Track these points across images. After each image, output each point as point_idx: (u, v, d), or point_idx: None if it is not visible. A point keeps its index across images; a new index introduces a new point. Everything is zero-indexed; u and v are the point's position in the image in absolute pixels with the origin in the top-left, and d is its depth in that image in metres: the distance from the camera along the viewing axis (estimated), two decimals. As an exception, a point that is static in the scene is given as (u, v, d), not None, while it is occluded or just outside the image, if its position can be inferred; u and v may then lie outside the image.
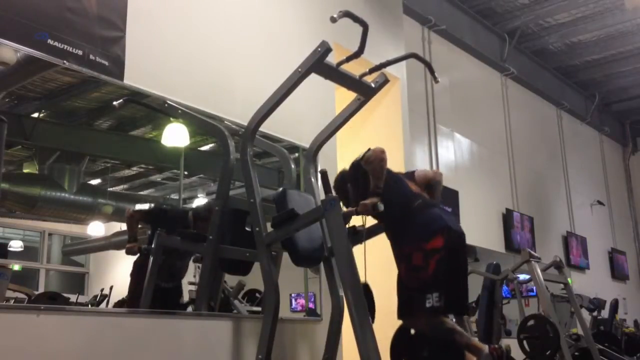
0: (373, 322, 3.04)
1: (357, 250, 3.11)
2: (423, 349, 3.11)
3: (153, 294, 3.45)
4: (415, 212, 3.10)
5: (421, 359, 3.13)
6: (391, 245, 3.23)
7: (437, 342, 3.04)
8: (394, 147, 5.28)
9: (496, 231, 7.94)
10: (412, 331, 3.21)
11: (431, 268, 2.92)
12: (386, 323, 3.32)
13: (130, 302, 3.62)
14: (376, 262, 3.69)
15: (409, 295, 2.98)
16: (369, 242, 3.48)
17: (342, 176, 3.42)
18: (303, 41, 4.21)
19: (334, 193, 3.22)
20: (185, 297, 3.97)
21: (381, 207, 2.98)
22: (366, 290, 3.14)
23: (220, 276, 3.71)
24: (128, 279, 3.76)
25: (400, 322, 3.22)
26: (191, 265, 3.98)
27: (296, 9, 4.65)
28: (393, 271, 3.22)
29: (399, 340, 3.18)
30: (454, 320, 3.26)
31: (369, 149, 3.15)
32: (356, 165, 3.23)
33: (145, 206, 3.88)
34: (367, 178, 3.11)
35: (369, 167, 3.08)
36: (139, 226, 3.83)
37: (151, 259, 3.53)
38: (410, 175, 3.43)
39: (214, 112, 3.77)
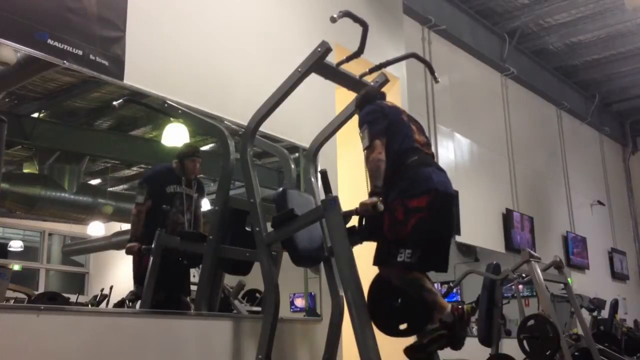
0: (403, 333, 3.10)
1: (357, 250, 3.11)
2: (396, 298, 3.17)
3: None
4: (407, 168, 3.11)
5: (392, 308, 3.18)
6: (382, 198, 3.24)
7: (409, 293, 3.09)
8: (394, 147, 5.27)
9: (496, 231, 7.94)
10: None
11: (410, 225, 2.96)
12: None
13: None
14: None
15: (385, 245, 3.04)
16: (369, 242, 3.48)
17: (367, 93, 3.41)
18: (303, 41, 4.21)
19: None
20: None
21: (381, 207, 2.98)
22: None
23: (220, 276, 3.70)
24: (128, 279, 3.77)
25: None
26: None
27: (296, 9, 4.65)
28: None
29: (375, 287, 3.23)
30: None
31: (370, 144, 3.11)
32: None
33: (140, 191, 3.89)
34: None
35: (366, 166, 3.09)
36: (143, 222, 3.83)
37: (151, 259, 3.54)
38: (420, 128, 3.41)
39: (214, 112, 3.77)
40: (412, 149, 3.19)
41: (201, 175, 4.15)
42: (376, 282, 3.24)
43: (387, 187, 3.09)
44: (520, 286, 5.79)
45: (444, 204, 3.12)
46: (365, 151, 3.12)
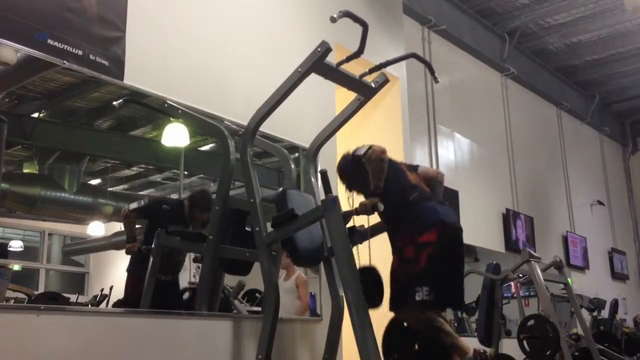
0: (380, 304, 3.04)
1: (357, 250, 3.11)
2: (413, 343, 3.12)
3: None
4: (410, 204, 3.09)
5: (411, 353, 3.13)
6: (388, 236, 3.22)
7: (427, 337, 3.04)
8: (394, 147, 5.28)
9: (496, 231, 7.94)
10: (405, 324, 3.21)
11: (422, 261, 2.91)
12: (386, 323, 3.33)
13: (126, 300, 3.63)
14: (375, 261, 3.70)
15: (400, 287, 2.98)
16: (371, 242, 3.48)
17: (345, 161, 3.38)
18: (303, 41, 4.21)
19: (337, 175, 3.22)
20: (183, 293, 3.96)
21: (381, 207, 2.98)
22: (373, 273, 3.14)
23: (220, 276, 3.70)
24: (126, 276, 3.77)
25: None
26: (192, 265, 3.98)
27: (296, 9, 4.65)
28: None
29: (391, 332, 3.18)
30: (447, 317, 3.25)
31: (371, 146, 3.14)
32: (357, 158, 3.21)
33: (139, 203, 3.87)
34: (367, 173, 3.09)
35: (369, 166, 3.08)
36: (137, 225, 3.83)
37: (151, 258, 3.53)
38: (414, 168, 3.41)
39: (214, 112, 3.77)
40: (411, 186, 3.18)
41: (201, 175, 4.15)
42: (391, 328, 3.17)
43: (392, 225, 3.05)
44: (519, 285, 5.79)
45: (453, 237, 3.08)
46: (365, 156, 3.09)
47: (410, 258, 2.95)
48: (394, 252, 3.04)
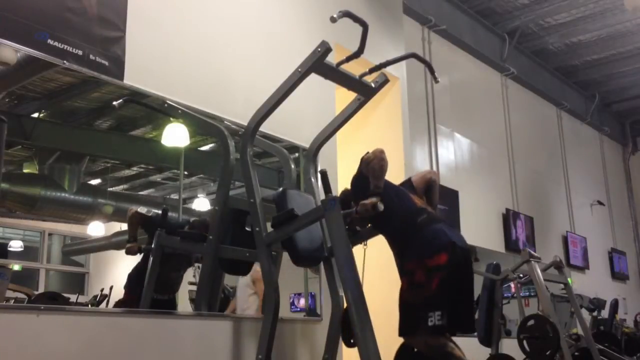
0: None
1: (357, 251, 3.11)
2: None
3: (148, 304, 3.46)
4: (419, 227, 3.03)
5: None
6: (395, 259, 3.18)
7: None
8: (394, 147, 5.28)
9: (496, 231, 7.93)
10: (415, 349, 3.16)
11: (434, 285, 2.84)
12: (386, 324, 3.33)
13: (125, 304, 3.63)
14: (375, 263, 3.70)
15: (411, 312, 2.91)
16: (369, 243, 3.48)
17: (345, 195, 3.35)
18: (303, 41, 4.21)
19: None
20: (185, 297, 3.96)
21: (381, 207, 2.98)
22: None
23: (220, 276, 3.70)
24: (126, 279, 3.76)
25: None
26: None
27: (296, 9, 4.65)
28: (392, 270, 3.21)
29: (401, 357, 3.13)
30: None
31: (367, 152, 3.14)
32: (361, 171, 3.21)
33: (147, 211, 3.84)
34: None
35: (368, 167, 3.07)
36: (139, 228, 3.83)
37: (150, 259, 3.53)
38: (410, 185, 3.36)
39: (214, 112, 3.77)
40: (418, 209, 3.14)
41: (201, 175, 4.15)
42: (401, 354, 3.13)
43: (400, 249, 3.03)
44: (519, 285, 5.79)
45: (463, 259, 3.03)
46: (365, 159, 3.10)
47: (422, 282, 2.88)
48: (402, 276, 2.99)
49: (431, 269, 2.88)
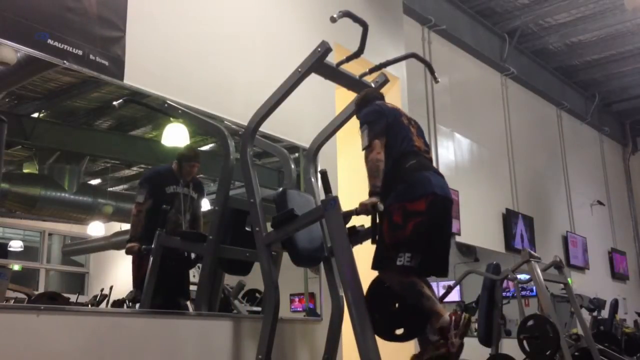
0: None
1: (357, 250, 3.11)
2: (393, 302, 3.16)
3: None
4: (406, 172, 3.10)
5: (390, 313, 3.16)
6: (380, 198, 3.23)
7: (407, 299, 3.08)
8: (394, 147, 5.27)
9: (496, 231, 7.94)
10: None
11: (409, 229, 2.95)
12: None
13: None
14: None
15: (384, 249, 3.02)
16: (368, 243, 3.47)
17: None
18: (303, 41, 4.21)
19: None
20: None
21: (381, 207, 2.98)
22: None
23: (220, 276, 3.70)
24: (128, 279, 3.76)
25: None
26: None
27: (296, 9, 4.65)
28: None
29: (373, 290, 3.20)
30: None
31: (370, 144, 3.12)
32: None
33: (141, 193, 3.88)
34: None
35: (365, 165, 3.09)
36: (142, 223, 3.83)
37: (151, 259, 3.54)
38: (421, 132, 3.39)
39: (214, 112, 3.77)
40: (411, 152, 3.18)
41: (201, 175, 4.15)
42: (374, 286, 3.21)
43: (385, 190, 3.08)
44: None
45: (442, 208, 3.11)
46: (364, 151, 3.12)
47: (399, 223, 2.98)
48: (383, 215, 3.07)
49: (409, 212, 2.97)
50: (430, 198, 3.01)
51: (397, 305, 3.16)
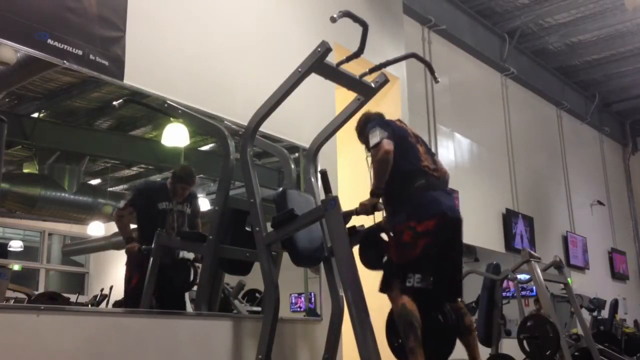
0: (379, 268, 3.10)
1: (357, 251, 3.12)
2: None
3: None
4: (414, 191, 3.07)
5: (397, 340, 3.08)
6: (386, 217, 3.21)
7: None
8: (394, 147, 5.27)
9: (496, 231, 7.94)
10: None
11: (419, 248, 2.92)
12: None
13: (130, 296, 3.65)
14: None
15: (392, 270, 2.99)
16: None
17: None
18: (303, 41, 4.20)
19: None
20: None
21: (381, 207, 2.99)
22: (373, 236, 3.18)
23: (220, 276, 3.70)
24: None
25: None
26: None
27: (296, 9, 4.65)
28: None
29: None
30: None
31: (380, 142, 3.07)
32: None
33: (126, 199, 3.91)
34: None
35: (373, 164, 3.08)
36: (131, 225, 3.85)
37: (151, 259, 3.54)
38: (431, 153, 3.35)
39: (214, 112, 3.77)
40: (420, 172, 3.15)
41: (201, 175, 4.15)
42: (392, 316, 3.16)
43: (394, 209, 3.05)
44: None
45: (452, 229, 3.08)
46: (372, 150, 3.06)
47: (408, 243, 2.95)
48: (392, 235, 3.05)
49: (419, 233, 2.95)
50: (440, 218, 2.98)
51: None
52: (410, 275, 2.89)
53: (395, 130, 3.18)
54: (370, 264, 3.29)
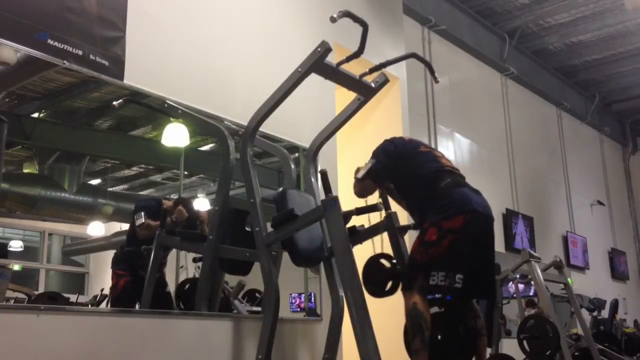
0: (388, 293, 3.14)
1: (357, 251, 3.11)
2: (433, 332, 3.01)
3: (135, 285, 3.54)
4: (442, 190, 3.03)
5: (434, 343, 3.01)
6: (415, 221, 3.22)
7: (442, 329, 2.99)
8: (394, 147, 5.27)
9: (496, 231, 7.90)
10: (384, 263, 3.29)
11: (444, 246, 2.86)
12: (387, 324, 3.33)
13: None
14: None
15: (415, 268, 2.94)
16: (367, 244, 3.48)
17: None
18: (303, 41, 4.21)
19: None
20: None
21: (381, 207, 2.99)
22: (375, 265, 3.24)
23: (220, 276, 3.70)
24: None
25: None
26: (191, 265, 3.98)
27: (296, 9, 4.65)
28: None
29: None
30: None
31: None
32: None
33: (143, 213, 3.84)
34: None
35: (353, 190, 3.16)
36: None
37: (151, 259, 3.54)
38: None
39: (214, 112, 3.77)
40: (444, 171, 3.13)
41: (201, 175, 4.15)
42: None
43: (422, 211, 3.04)
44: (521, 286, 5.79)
45: (483, 226, 3.04)
46: (354, 179, 3.22)
47: (432, 241, 2.90)
48: (418, 235, 3.02)
49: (445, 230, 2.89)
50: (470, 215, 2.94)
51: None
52: (434, 273, 2.83)
53: (398, 145, 3.28)
54: (374, 292, 3.30)
